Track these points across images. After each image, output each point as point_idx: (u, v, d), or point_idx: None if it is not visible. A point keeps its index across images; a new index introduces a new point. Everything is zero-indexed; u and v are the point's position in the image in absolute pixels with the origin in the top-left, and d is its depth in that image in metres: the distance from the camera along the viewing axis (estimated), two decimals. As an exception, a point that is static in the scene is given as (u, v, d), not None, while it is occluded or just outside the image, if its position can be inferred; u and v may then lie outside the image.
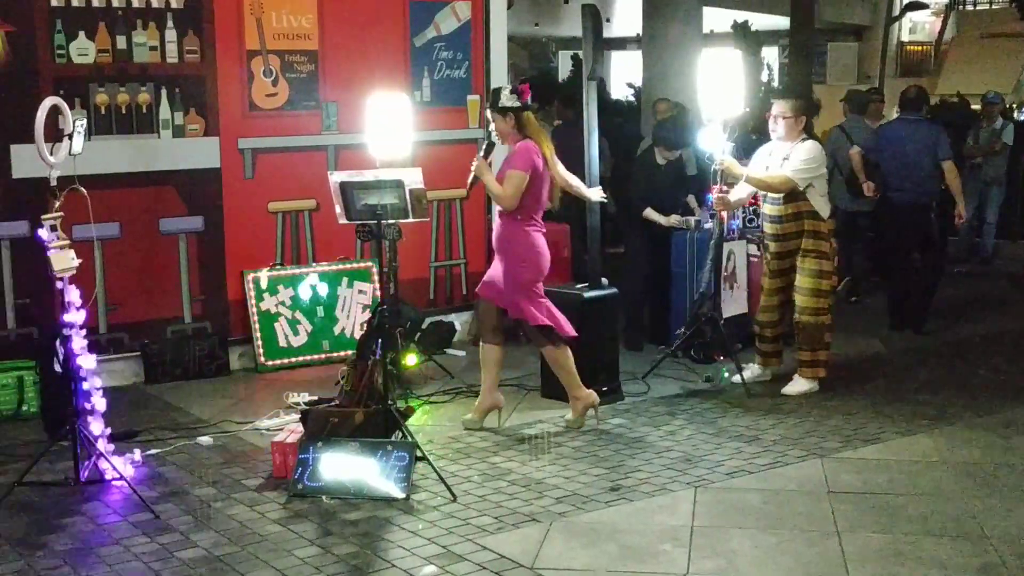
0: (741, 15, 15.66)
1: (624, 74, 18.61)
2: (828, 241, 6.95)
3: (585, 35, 6.68)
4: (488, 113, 6.28)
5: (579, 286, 6.97)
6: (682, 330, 7.63)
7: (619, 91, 17.33)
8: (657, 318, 8.48)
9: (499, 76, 8.76)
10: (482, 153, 6.24)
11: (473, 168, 6.19)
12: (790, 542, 4.74)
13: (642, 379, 7.25)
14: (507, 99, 6.14)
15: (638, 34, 15.16)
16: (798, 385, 7.06)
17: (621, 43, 24.43)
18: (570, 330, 6.32)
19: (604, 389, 6.81)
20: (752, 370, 7.26)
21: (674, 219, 8.15)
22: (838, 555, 4.60)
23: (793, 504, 5.17)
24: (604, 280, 6.97)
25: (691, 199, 8.40)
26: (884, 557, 4.58)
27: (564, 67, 24.90)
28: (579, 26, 6.93)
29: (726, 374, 7.17)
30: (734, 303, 7.86)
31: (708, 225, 7.58)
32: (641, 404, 6.87)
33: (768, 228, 7.11)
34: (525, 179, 6.07)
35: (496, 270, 6.30)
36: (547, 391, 6.95)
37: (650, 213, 8.17)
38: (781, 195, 6.92)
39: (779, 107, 7.02)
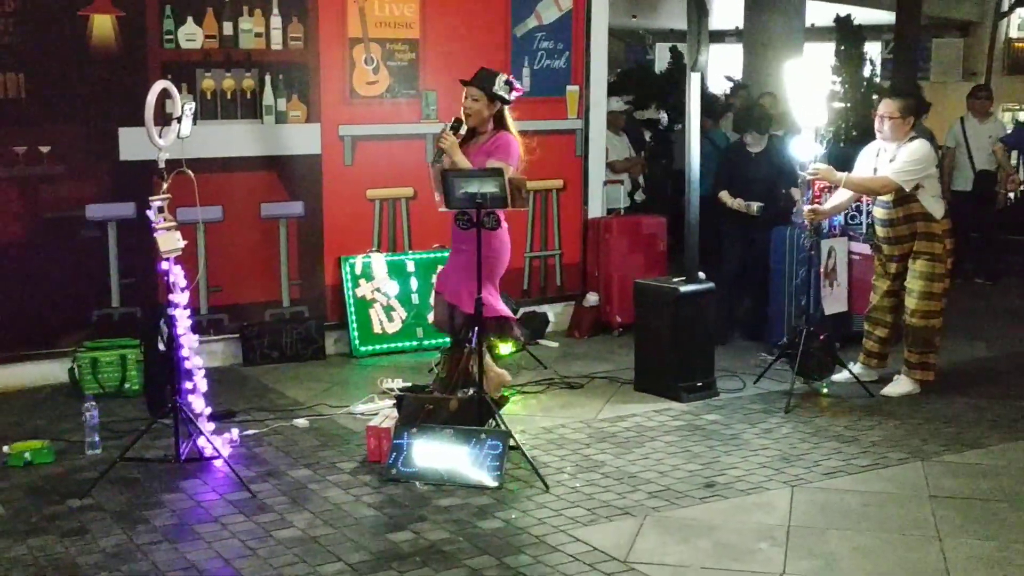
0: (844, 9, 15.38)
1: (721, 67, 18.37)
2: (942, 243, 6.74)
3: (690, 24, 6.61)
4: (472, 89, 5.93)
5: (675, 280, 6.90)
6: (783, 341, 7.50)
7: (716, 84, 17.14)
8: (753, 313, 8.39)
9: (599, 67, 8.74)
10: (449, 127, 5.92)
11: (445, 144, 5.86)
12: (890, 545, 4.63)
13: (754, 383, 7.10)
14: (501, 87, 5.91)
15: (737, 27, 14.98)
16: (900, 386, 6.90)
17: (719, 36, 24.18)
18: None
19: (699, 384, 6.74)
20: (854, 369, 7.09)
21: (738, 202, 8.08)
22: (940, 560, 4.49)
23: (893, 507, 5.06)
24: (701, 274, 6.89)
25: (794, 191, 8.28)
26: (988, 564, 4.46)
27: (660, 60, 24.72)
28: (676, 19, 6.89)
29: (824, 389, 6.98)
30: (834, 301, 7.72)
31: (800, 220, 7.46)
32: (736, 401, 6.78)
33: (880, 231, 6.92)
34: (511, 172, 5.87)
35: (453, 266, 6.13)
36: (640, 384, 6.90)
37: (723, 196, 8.15)
38: (891, 198, 6.73)
39: (886, 106, 6.79)
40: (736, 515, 4.95)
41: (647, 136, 12.84)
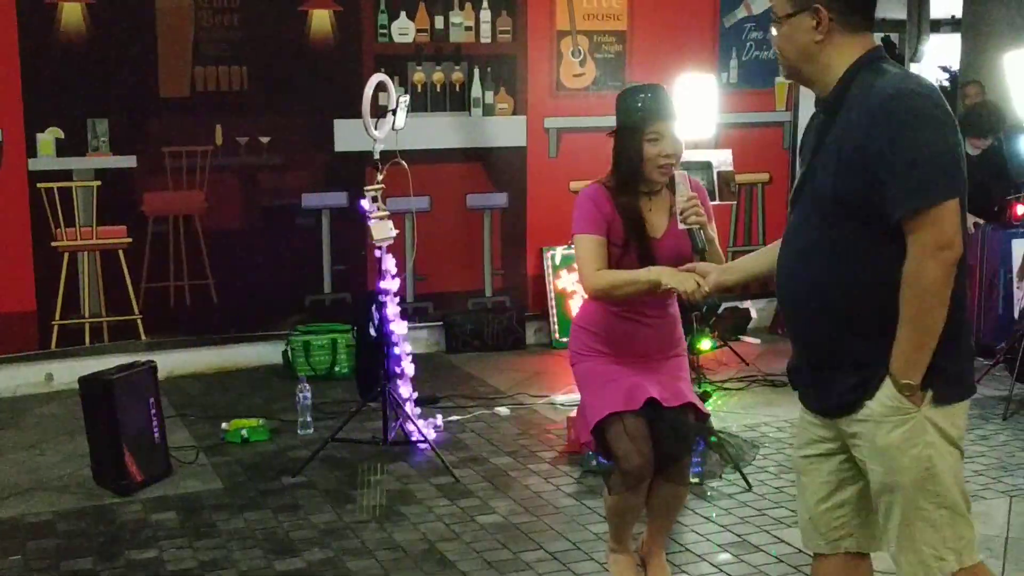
0: (1073, -4, 14.56)
1: (938, 58, 17.66)
2: None
3: (910, 12, 6.37)
4: (671, 125, 3.79)
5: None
6: (1002, 345, 7.13)
7: (931, 76, 16.50)
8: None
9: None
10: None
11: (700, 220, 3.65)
12: (1120, 565, 4.37)
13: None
14: None
15: (953, 16, 14.34)
16: None
17: (935, 25, 23.27)
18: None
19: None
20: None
21: None
22: None
23: (1123, 524, 4.76)
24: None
25: None
26: None
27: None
28: (888, 7, 6.63)
29: None
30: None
31: None
32: (949, 405, 6.50)
33: None
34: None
35: (665, 374, 3.92)
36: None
37: None
38: None
39: None
40: (949, 524, 4.75)
41: None
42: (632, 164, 3.79)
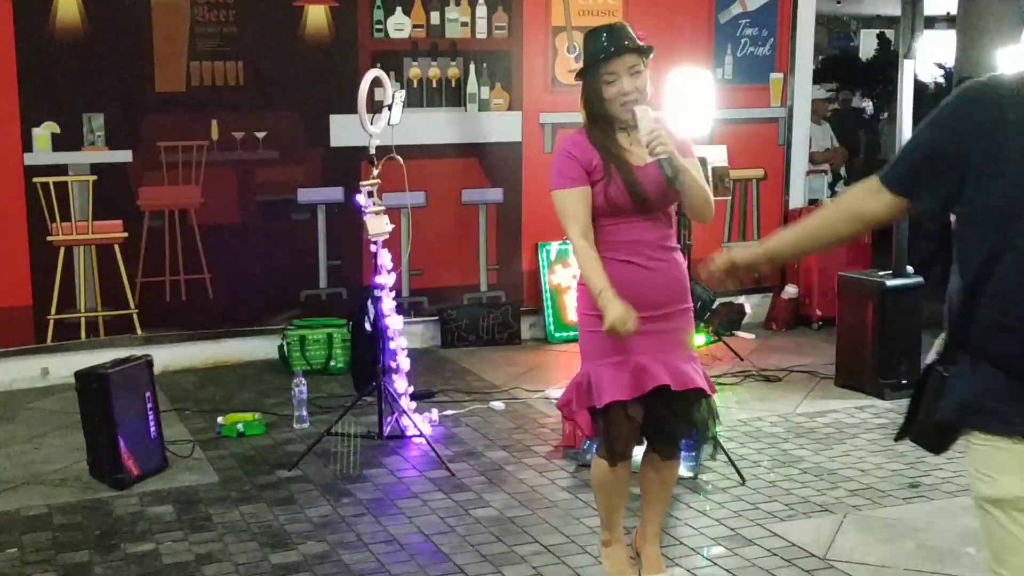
0: (1067, -8, 14.57)
1: (933, 55, 17.64)
2: None
3: (904, 8, 6.39)
4: (630, 58, 3.74)
5: (881, 273, 6.70)
6: None
7: (927, 72, 16.49)
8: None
9: (805, 54, 8.55)
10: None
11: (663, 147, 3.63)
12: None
13: None
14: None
15: (948, 12, 14.38)
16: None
17: (930, 22, 23.20)
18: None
19: (904, 382, 6.54)
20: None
21: None
22: None
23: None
24: (909, 268, 6.67)
25: None
26: None
27: (864, 47, 23.94)
28: (883, 3, 6.65)
29: None
30: None
31: None
32: (942, 400, 6.53)
33: None
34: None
35: (673, 345, 3.87)
36: (841, 380, 6.74)
37: None
38: None
39: None
40: (942, 517, 4.78)
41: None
42: (597, 107, 3.82)
